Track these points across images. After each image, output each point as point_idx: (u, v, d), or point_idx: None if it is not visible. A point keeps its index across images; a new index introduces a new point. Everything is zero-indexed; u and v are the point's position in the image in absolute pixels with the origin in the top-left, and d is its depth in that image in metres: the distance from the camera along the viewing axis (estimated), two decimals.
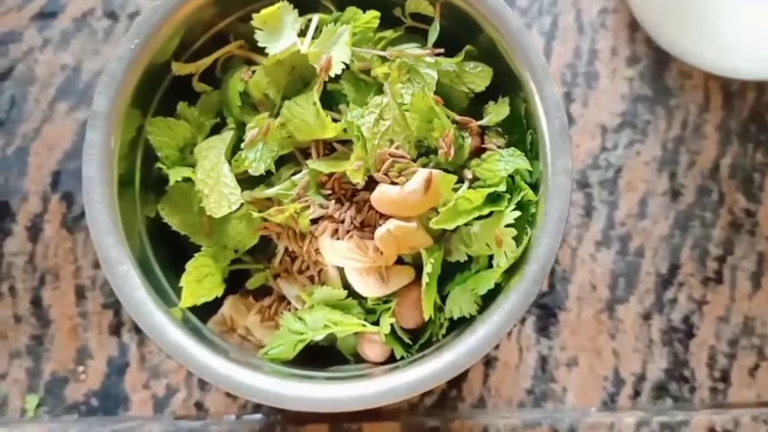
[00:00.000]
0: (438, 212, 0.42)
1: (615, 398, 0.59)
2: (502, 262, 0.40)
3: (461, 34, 0.44)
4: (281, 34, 0.41)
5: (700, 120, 0.62)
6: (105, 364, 0.59)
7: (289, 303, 0.46)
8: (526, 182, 0.42)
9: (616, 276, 0.60)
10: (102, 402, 0.59)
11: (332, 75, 0.41)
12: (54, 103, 0.61)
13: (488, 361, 0.59)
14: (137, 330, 0.59)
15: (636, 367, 0.60)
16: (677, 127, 0.62)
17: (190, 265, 0.42)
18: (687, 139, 0.62)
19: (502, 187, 0.41)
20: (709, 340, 0.60)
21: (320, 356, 0.45)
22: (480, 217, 0.41)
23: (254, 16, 0.41)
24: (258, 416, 0.59)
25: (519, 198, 0.41)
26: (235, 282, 0.46)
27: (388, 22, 0.44)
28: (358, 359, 0.45)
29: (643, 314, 0.60)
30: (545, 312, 0.60)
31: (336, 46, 0.41)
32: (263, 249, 0.46)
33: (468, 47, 0.44)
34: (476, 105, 0.45)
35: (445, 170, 0.43)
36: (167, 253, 0.45)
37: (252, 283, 0.46)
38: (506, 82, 0.43)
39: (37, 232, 0.60)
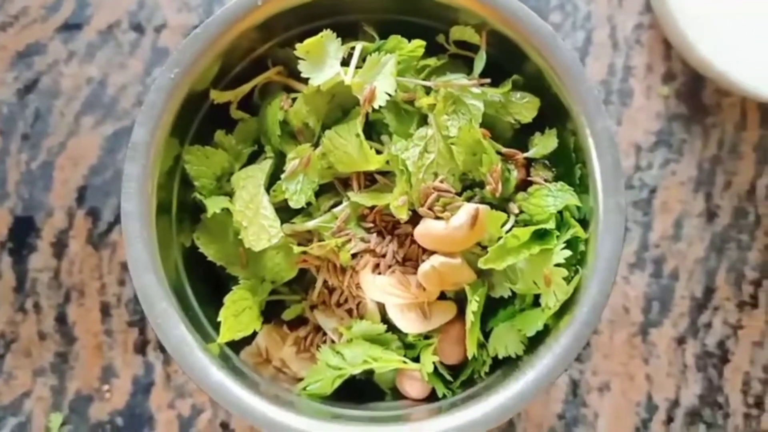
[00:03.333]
0: (482, 247, 0.41)
1: (648, 424, 0.58)
2: (551, 303, 0.39)
3: (506, 63, 0.43)
4: (324, 64, 0.40)
5: (737, 139, 0.60)
6: (130, 382, 0.59)
7: (324, 334, 0.45)
8: (574, 218, 0.41)
9: (650, 299, 0.59)
10: (127, 421, 0.58)
11: (376, 107, 0.40)
12: (79, 116, 0.60)
13: None
14: (162, 349, 0.59)
15: (669, 392, 0.59)
16: (713, 146, 0.60)
17: (227, 299, 0.41)
18: (723, 158, 0.60)
19: (551, 224, 0.40)
20: (744, 365, 0.59)
21: (357, 389, 0.44)
22: None
23: (297, 46, 0.40)
24: None
25: (568, 235, 0.39)
26: (269, 311, 0.45)
27: (431, 49, 0.43)
28: (396, 393, 0.44)
29: (677, 338, 0.59)
30: None
31: (380, 77, 0.39)
32: (299, 279, 0.45)
33: (514, 77, 0.43)
34: (521, 136, 0.44)
35: (490, 204, 0.41)
36: (202, 282, 0.44)
37: (288, 314, 0.45)
38: (553, 113, 0.42)
39: (62, 248, 0.59)
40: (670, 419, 0.58)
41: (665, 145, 0.60)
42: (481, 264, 0.39)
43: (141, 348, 0.59)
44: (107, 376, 0.59)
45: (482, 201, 0.42)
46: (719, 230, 0.60)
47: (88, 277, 0.59)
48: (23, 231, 0.59)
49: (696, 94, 0.61)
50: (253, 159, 0.44)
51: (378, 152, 0.41)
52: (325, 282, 0.44)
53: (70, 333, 0.59)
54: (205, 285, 0.44)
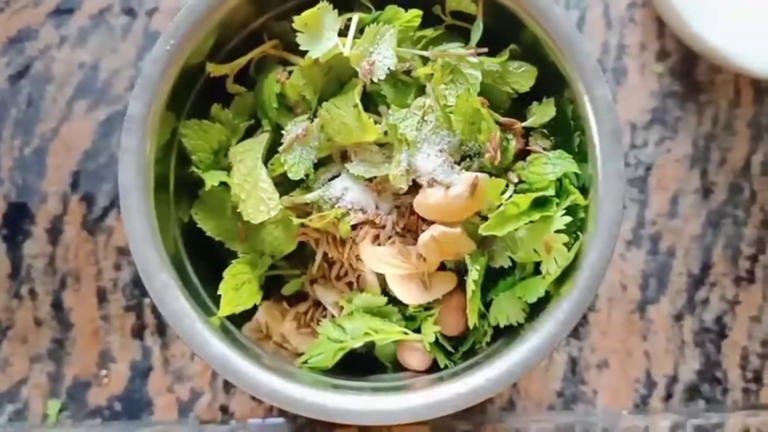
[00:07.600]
0: (482, 217, 0.41)
1: (647, 400, 0.59)
2: (551, 270, 0.39)
3: (503, 32, 0.43)
4: (322, 36, 0.39)
5: (731, 116, 0.61)
6: (128, 367, 0.58)
7: (325, 309, 0.44)
8: (573, 185, 0.41)
9: (647, 276, 0.59)
10: (125, 406, 0.58)
11: (375, 80, 0.40)
12: (72, 101, 0.59)
13: None
14: (160, 333, 0.58)
15: (668, 368, 0.59)
16: (708, 123, 0.61)
17: (227, 273, 0.41)
18: (718, 135, 0.60)
19: (551, 191, 0.40)
20: (742, 340, 0.59)
21: (357, 363, 0.44)
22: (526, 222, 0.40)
23: (295, 18, 0.39)
24: (283, 420, 0.58)
25: (568, 202, 0.39)
26: (268, 287, 0.45)
27: (427, 20, 0.43)
28: (397, 366, 0.44)
29: (674, 315, 0.59)
30: None
31: (380, 49, 0.39)
32: (298, 254, 0.45)
33: (511, 46, 0.43)
34: (518, 105, 0.44)
35: (489, 173, 0.41)
36: (201, 257, 0.44)
37: (288, 289, 0.45)
38: (550, 82, 0.42)
39: (57, 233, 0.59)
40: (669, 395, 0.59)
41: (660, 123, 0.60)
42: (482, 230, 0.39)
43: (138, 333, 0.58)
44: (105, 362, 0.58)
45: (481, 170, 0.42)
46: (715, 207, 0.60)
47: (84, 263, 0.59)
48: (17, 217, 0.59)
49: (690, 71, 0.61)
50: (250, 133, 0.44)
51: (375, 123, 0.41)
52: (324, 255, 0.43)
53: (67, 319, 0.58)
54: (204, 260, 0.44)
